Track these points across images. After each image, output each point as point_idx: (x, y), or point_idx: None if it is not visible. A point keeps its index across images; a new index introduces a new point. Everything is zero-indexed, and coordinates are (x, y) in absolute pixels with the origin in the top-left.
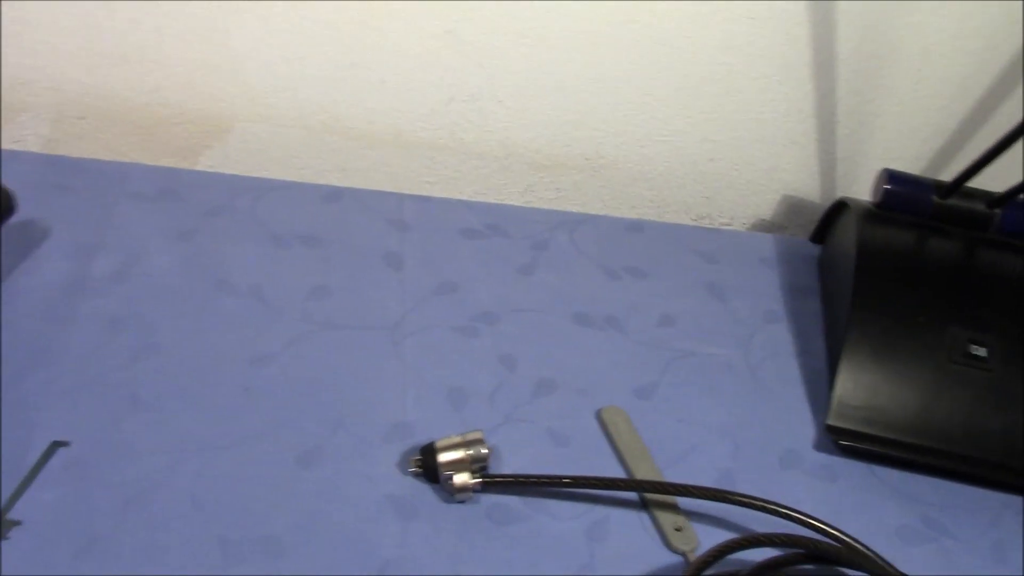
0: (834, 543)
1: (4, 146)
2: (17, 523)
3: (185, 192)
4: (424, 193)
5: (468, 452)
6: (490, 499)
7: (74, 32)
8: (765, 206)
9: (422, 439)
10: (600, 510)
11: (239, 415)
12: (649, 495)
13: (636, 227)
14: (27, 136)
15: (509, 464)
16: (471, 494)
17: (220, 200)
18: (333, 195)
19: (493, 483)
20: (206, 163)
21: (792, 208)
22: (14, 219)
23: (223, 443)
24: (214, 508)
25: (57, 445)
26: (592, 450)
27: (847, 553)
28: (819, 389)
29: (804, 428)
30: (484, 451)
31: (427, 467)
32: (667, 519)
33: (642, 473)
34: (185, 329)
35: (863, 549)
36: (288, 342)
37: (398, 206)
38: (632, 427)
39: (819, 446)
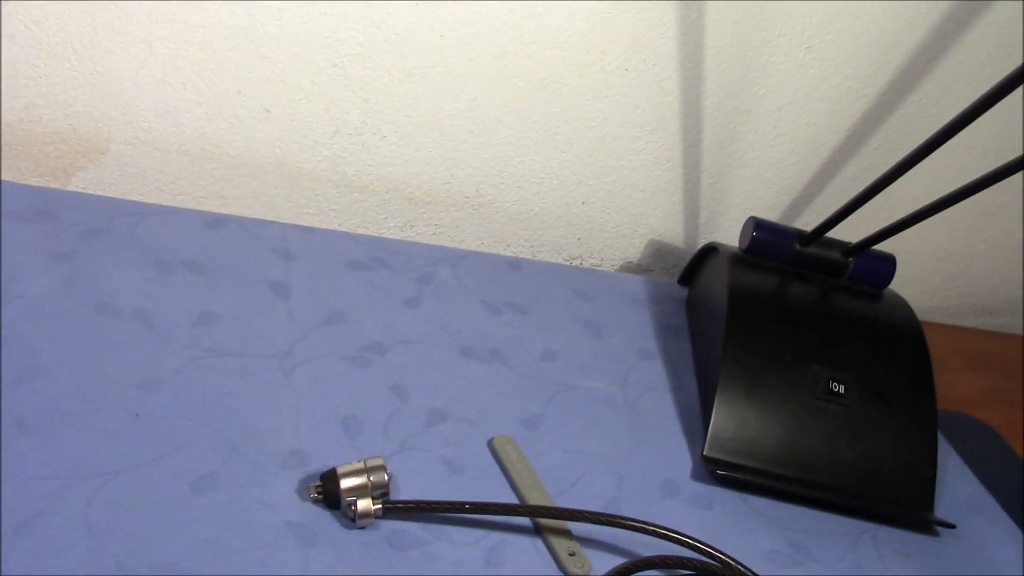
0: (718, 564)
1: None
2: None
3: (61, 213)
4: (305, 224)
5: (370, 478)
6: (390, 525)
7: None
8: (633, 249)
9: (318, 466)
10: (496, 536)
11: (130, 440)
12: (542, 521)
13: (515, 264)
14: None
15: (406, 491)
16: (372, 520)
17: (98, 222)
18: (216, 222)
19: (395, 509)
20: (78, 184)
21: (658, 252)
22: None
23: (115, 468)
24: (109, 534)
25: None
26: (486, 478)
27: (731, 574)
28: (692, 422)
29: (681, 459)
30: (385, 477)
31: (328, 493)
32: (561, 544)
33: (535, 500)
34: (69, 352)
35: (744, 570)
36: (177, 368)
37: (282, 235)
38: (523, 456)
39: (695, 476)
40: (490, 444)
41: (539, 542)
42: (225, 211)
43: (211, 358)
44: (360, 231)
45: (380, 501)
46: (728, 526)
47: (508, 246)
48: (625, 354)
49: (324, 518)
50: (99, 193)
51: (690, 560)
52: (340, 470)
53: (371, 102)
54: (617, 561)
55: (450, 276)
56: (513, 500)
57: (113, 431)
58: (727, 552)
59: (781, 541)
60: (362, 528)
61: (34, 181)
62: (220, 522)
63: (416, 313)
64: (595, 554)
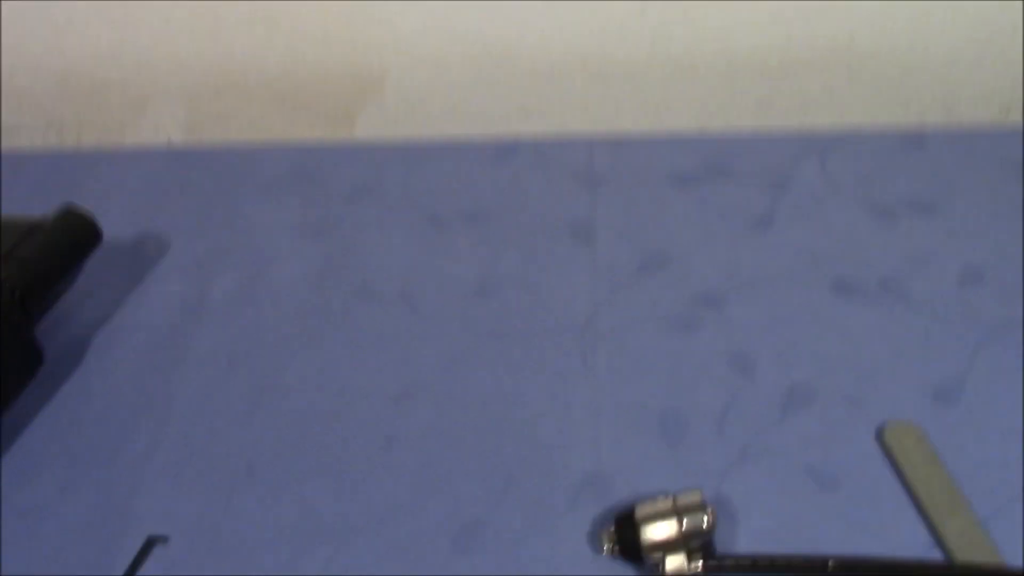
0: None
1: (141, 139)
2: None
3: (325, 173)
4: (625, 129)
5: (683, 524)
6: None
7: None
8: None
9: (623, 495)
10: None
11: (379, 479)
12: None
13: (915, 141)
14: (164, 122)
15: (749, 526)
16: None
17: (365, 178)
18: (506, 152)
19: (722, 568)
20: (363, 127)
21: None
22: (131, 233)
23: (358, 522)
24: None
25: (153, 542)
26: (873, 494)
27: None
28: None
29: None
30: (705, 521)
31: (626, 544)
32: None
33: (953, 530)
34: (314, 362)
35: None
36: (444, 365)
37: (588, 155)
38: (931, 453)
39: None
40: (880, 436)
41: None
42: (526, 129)
43: (488, 344)
44: (697, 127)
45: (700, 556)
46: None
47: (908, 108)
48: None
49: None
50: (385, 134)
51: None
52: (639, 513)
53: None
54: None
55: (817, 173)
56: (916, 525)
57: (359, 468)
58: None
59: None
60: None
61: (318, 132)
62: None
63: (767, 238)
64: None
